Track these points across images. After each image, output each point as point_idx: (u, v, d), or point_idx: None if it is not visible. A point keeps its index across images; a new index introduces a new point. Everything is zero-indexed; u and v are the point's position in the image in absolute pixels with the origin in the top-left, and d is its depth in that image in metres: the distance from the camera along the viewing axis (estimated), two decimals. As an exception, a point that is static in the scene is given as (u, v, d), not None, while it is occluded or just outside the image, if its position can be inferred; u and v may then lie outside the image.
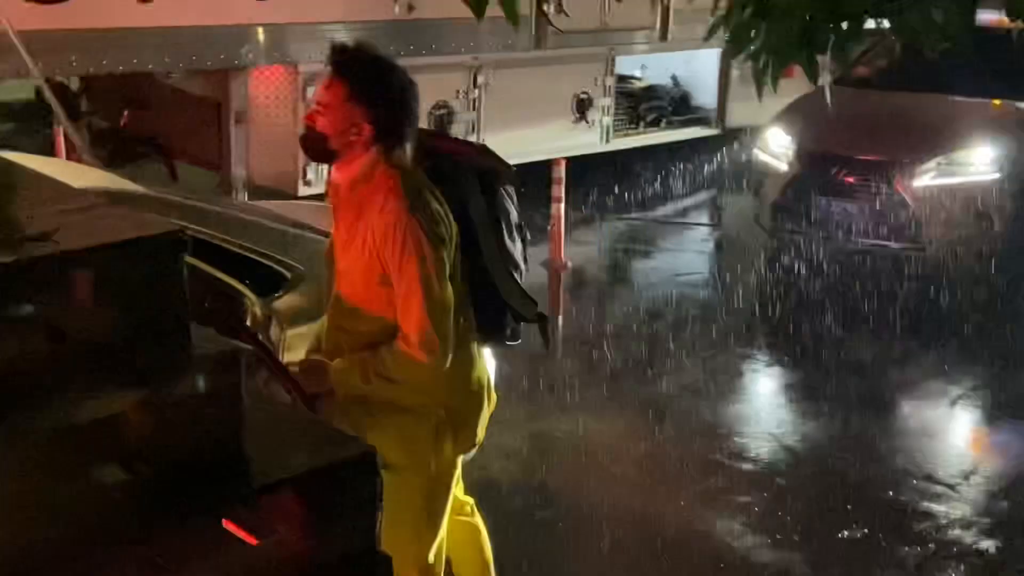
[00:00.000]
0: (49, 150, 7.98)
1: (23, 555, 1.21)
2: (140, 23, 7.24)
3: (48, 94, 6.53)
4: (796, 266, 8.31)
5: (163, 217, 3.83)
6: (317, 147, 3.07)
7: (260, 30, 7.83)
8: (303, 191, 8.18)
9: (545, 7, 9.25)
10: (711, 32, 2.16)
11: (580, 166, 9.86)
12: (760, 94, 2.04)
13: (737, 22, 1.95)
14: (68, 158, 7.30)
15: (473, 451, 4.48)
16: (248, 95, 8.17)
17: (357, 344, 3.11)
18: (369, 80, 3.00)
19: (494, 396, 3.46)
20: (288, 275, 4.00)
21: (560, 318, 7.83)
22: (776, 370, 6.82)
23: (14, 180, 1.49)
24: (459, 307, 3.16)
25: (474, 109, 9.41)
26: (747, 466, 5.42)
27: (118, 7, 7.08)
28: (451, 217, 3.12)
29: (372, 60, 3.05)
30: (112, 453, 1.37)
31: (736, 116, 11.75)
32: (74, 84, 8.82)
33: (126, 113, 8.44)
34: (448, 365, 3.09)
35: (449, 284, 3.06)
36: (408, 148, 3.08)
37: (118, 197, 3.87)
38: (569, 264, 8.44)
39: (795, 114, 8.60)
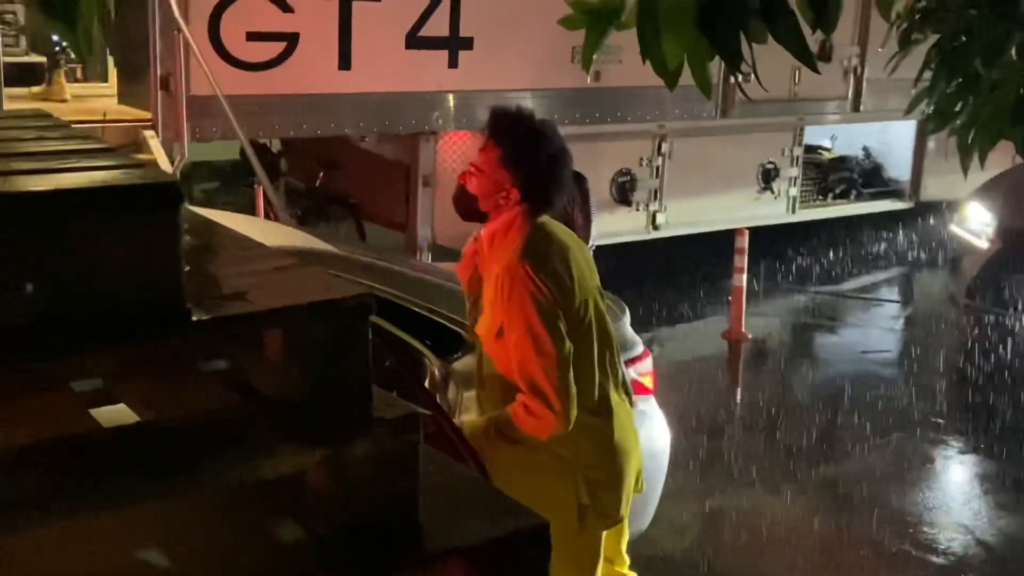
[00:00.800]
0: (250, 208, 8.40)
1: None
2: (339, 89, 7.56)
3: (250, 155, 6.87)
4: (994, 347, 7.87)
5: (350, 277, 3.96)
6: (467, 207, 3.13)
7: (450, 97, 8.05)
8: (485, 254, 8.30)
9: (738, 75, 9.18)
10: (913, 105, 2.07)
11: (764, 237, 9.68)
12: (966, 170, 1.93)
13: (942, 95, 1.86)
14: (266, 216, 7.65)
15: (633, 528, 4.39)
16: (436, 159, 8.39)
17: (492, 399, 3.11)
18: (520, 145, 3.01)
19: (639, 468, 3.34)
20: (465, 336, 4.03)
21: (739, 391, 7.65)
22: (970, 457, 6.44)
23: (211, 238, 1.55)
24: (601, 368, 3.12)
25: (657, 176, 9.39)
26: (937, 559, 5.10)
27: (319, 74, 7.42)
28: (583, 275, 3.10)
29: (526, 125, 3.07)
30: (292, 511, 1.38)
31: (931, 190, 11.33)
32: (275, 146, 9.27)
33: (321, 174, 8.80)
34: (572, 424, 2.98)
35: (566, 340, 2.96)
36: (554, 211, 3.10)
37: (307, 255, 4.01)
38: (749, 336, 8.25)
39: (997, 189, 8.22)
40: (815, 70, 1.46)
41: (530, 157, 3.01)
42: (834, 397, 7.19)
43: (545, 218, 3.11)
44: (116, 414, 1.32)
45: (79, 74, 8.40)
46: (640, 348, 4.42)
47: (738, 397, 7.49)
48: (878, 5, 1.57)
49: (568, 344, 2.97)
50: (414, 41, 7.78)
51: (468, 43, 7.96)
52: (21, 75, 7.82)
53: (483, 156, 3.07)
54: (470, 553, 1.40)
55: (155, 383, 1.28)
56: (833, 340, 8.89)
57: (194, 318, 1.19)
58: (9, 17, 8.25)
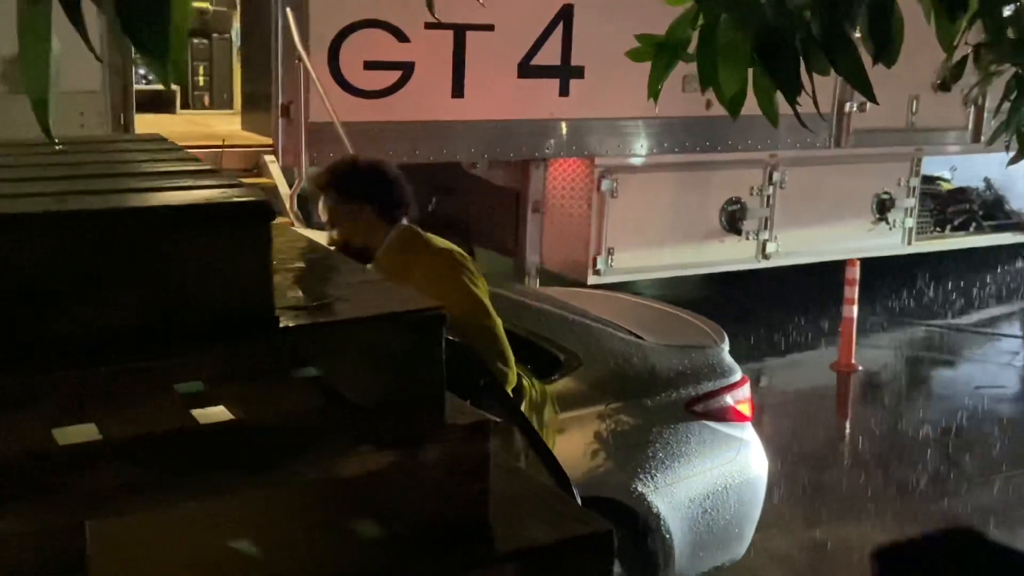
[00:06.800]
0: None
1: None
2: (452, 117, 7.75)
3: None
4: (1119, 387, 7.58)
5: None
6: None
7: (561, 125, 8.17)
8: (592, 280, 8.38)
9: (847, 105, 9.09)
10: (994, 137, 2.07)
11: (878, 268, 9.52)
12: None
13: (1020, 127, 1.86)
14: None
15: (728, 556, 4.41)
16: (545, 186, 8.51)
17: None
18: (344, 182, 3.53)
19: None
20: (563, 359, 4.12)
21: (847, 423, 7.54)
22: (1088, 499, 6.21)
23: (308, 254, 1.67)
24: None
25: (768, 205, 9.33)
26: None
27: (433, 102, 7.62)
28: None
29: (341, 169, 3.59)
30: (369, 508, 1.48)
31: (1057, 222, 10.98)
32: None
33: (434, 199, 8.99)
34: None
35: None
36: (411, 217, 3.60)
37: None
38: (859, 368, 8.12)
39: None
40: (874, 101, 1.50)
41: (361, 180, 3.51)
42: (946, 433, 7.02)
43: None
44: (213, 413, 1.45)
45: (206, 101, 8.79)
46: (738, 375, 4.44)
47: (846, 429, 7.38)
48: (938, 36, 1.60)
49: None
50: (526, 70, 7.93)
51: (579, 72, 8.08)
52: (153, 101, 8.23)
53: (326, 213, 3.54)
54: (535, 554, 1.48)
55: (248, 385, 1.40)
56: (947, 374, 8.67)
57: (282, 325, 1.30)
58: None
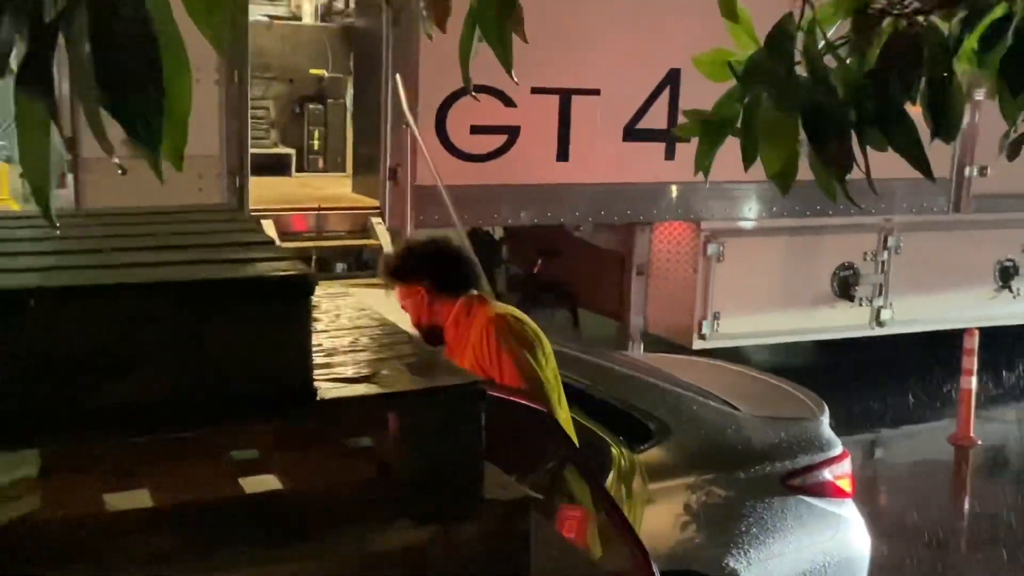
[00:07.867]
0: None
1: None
2: (557, 180, 7.78)
3: (465, 242, 7.14)
4: None
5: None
6: (430, 336, 3.54)
7: (667, 188, 8.12)
8: (697, 344, 8.25)
9: (967, 170, 8.83)
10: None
11: (1002, 338, 9.15)
12: None
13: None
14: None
15: None
16: (650, 249, 8.46)
17: None
18: (404, 266, 3.60)
19: None
20: (653, 428, 4.05)
21: (966, 501, 7.21)
22: None
23: (359, 323, 1.68)
24: None
25: (882, 271, 9.08)
26: None
27: (539, 165, 7.67)
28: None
29: (403, 255, 3.71)
30: (408, 583, 1.46)
31: None
32: (497, 233, 9.58)
33: (539, 262, 9.01)
34: None
35: (548, 374, 3.39)
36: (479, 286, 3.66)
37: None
38: (979, 442, 7.78)
39: None
40: (931, 178, 1.43)
41: (416, 262, 3.58)
42: (1073, 513, 6.65)
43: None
44: (261, 481, 1.46)
45: (320, 164, 9.04)
46: (839, 449, 4.30)
47: (964, 506, 7.06)
48: (1002, 111, 1.53)
49: (550, 380, 3.42)
50: (632, 133, 7.93)
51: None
52: (269, 165, 8.50)
53: (399, 295, 3.61)
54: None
55: (290, 455, 1.41)
56: (1076, 452, 8.24)
57: (319, 397, 1.31)
58: (261, 112, 9.00)
